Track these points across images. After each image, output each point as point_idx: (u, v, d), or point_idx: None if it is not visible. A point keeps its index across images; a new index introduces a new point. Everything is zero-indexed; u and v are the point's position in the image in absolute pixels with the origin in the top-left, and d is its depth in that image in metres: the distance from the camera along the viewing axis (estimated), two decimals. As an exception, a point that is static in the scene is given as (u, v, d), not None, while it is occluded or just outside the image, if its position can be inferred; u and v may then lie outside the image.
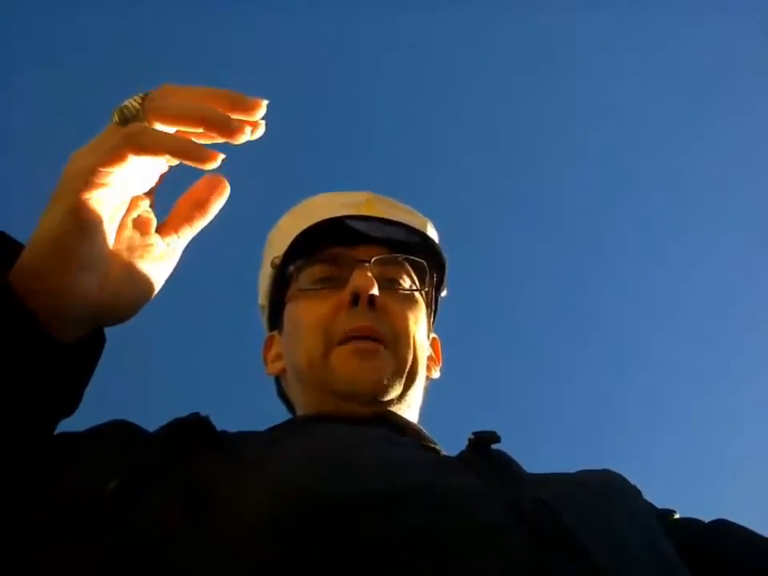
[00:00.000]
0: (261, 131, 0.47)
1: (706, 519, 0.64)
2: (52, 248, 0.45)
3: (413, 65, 2.59)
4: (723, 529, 0.62)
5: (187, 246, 0.52)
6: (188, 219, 0.50)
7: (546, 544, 0.45)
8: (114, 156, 0.43)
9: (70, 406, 0.51)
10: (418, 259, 0.77)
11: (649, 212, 2.64)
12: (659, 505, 0.64)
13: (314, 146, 2.47)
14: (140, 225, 0.49)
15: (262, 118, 0.46)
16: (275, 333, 0.81)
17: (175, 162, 0.48)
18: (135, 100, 0.46)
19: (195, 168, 0.46)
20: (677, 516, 0.63)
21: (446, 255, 0.81)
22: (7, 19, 2.19)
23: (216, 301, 2.21)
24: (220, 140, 0.46)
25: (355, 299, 0.70)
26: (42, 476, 0.50)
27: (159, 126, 0.45)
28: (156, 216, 0.51)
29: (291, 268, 0.77)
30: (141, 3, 2.31)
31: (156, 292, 0.51)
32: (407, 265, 0.77)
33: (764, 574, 0.57)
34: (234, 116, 0.45)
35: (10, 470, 0.48)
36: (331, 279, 0.74)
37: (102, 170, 0.44)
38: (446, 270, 0.82)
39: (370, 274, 0.71)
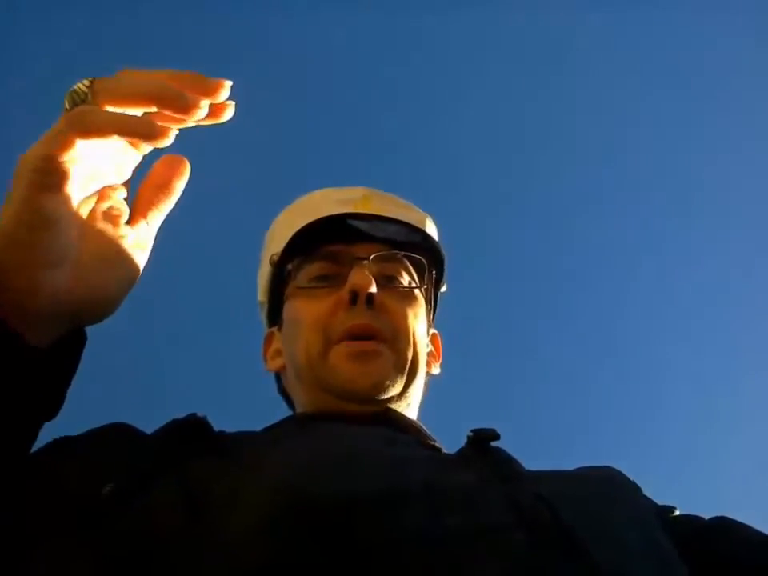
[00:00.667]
0: (229, 113, 0.44)
1: (707, 516, 0.64)
2: (11, 245, 0.42)
3: (412, 64, 2.59)
4: (723, 526, 0.62)
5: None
6: (153, 203, 0.48)
7: (545, 542, 0.44)
8: (60, 142, 0.41)
9: (50, 409, 0.48)
10: (417, 256, 0.77)
11: (649, 211, 2.64)
12: (659, 502, 0.64)
13: (314, 144, 2.47)
14: (111, 216, 0.47)
15: (230, 99, 0.44)
16: (274, 329, 0.81)
17: (144, 149, 0.46)
18: (84, 83, 0.44)
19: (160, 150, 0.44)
20: (677, 513, 0.63)
21: (444, 251, 0.81)
22: (7, 19, 2.19)
23: (214, 301, 2.21)
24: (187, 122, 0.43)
25: (354, 298, 0.70)
26: (39, 479, 0.49)
27: (110, 109, 0.43)
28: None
29: (289, 266, 0.76)
30: (142, 3, 2.31)
31: (133, 283, 0.49)
32: (406, 262, 0.77)
33: (765, 571, 0.57)
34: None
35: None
36: (329, 277, 0.74)
37: (50, 158, 0.41)
38: (445, 266, 0.82)
39: (368, 272, 0.71)
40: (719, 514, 0.63)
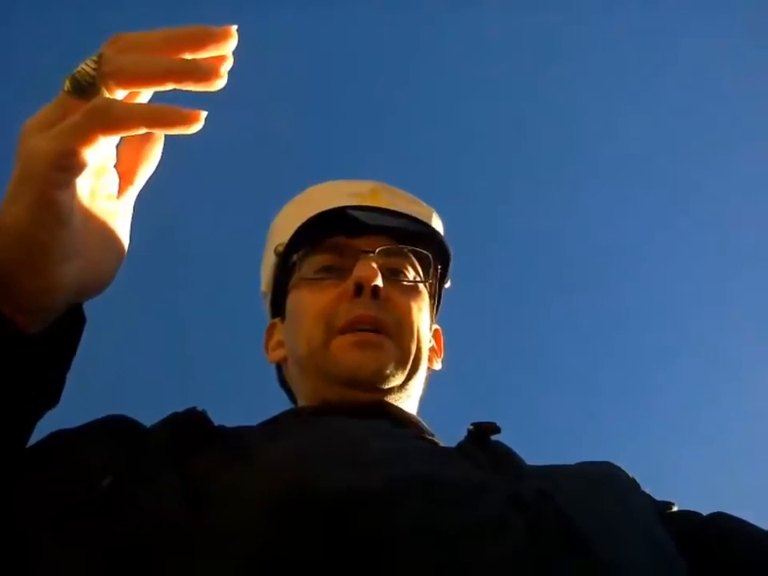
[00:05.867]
0: (230, 63, 0.40)
1: (705, 512, 0.64)
2: (26, 245, 0.40)
3: (415, 62, 2.59)
4: (722, 521, 0.62)
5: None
6: (137, 166, 0.45)
7: (546, 535, 0.45)
8: (81, 139, 0.38)
9: (51, 395, 0.48)
10: (423, 251, 0.77)
11: (649, 210, 2.65)
12: (658, 497, 0.64)
13: (318, 140, 2.47)
14: (107, 192, 0.45)
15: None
16: (277, 320, 0.81)
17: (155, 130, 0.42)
18: (88, 64, 0.40)
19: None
20: (675, 508, 0.63)
21: (450, 247, 0.81)
22: (7, 19, 2.19)
23: (215, 295, 2.21)
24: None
25: (359, 289, 0.70)
26: (36, 473, 0.49)
27: (121, 92, 0.40)
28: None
29: (295, 257, 0.76)
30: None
31: (125, 255, 0.47)
32: (411, 256, 0.77)
33: (763, 566, 0.57)
34: (204, 54, 0.40)
35: None
36: (334, 269, 0.74)
37: (70, 155, 0.38)
38: (451, 262, 0.82)
39: (374, 265, 0.71)
40: (718, 510, 0.64)
